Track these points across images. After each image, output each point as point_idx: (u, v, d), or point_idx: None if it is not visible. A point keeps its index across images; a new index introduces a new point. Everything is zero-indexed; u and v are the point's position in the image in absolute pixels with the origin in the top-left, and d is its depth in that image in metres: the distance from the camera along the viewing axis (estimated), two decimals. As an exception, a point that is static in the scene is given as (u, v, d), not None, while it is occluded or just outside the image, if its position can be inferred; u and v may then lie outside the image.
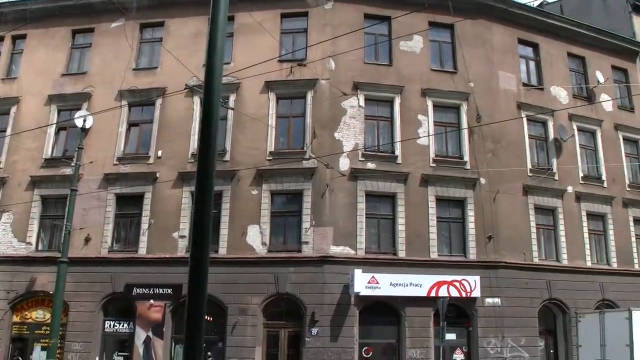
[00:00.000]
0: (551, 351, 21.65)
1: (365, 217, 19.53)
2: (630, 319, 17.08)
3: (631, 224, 23.77)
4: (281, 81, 20.39)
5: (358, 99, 20.51)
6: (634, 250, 23.61)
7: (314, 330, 18.23)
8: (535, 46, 23.97)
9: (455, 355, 19.68)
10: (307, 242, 18.99)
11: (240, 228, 19.23)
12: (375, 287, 18.54)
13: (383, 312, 19.21)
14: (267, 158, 19.82)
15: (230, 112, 19.99)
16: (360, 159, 19.92)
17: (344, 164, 19.71)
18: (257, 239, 19.12)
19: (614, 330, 17.55)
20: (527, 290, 20.47)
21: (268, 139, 20.01)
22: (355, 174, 19.69)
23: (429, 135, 20.52)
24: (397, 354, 19.07)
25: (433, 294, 18.92)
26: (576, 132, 23.42)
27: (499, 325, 19.80)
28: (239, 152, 20.00)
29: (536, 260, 21.12)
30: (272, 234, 19.43)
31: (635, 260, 23.51)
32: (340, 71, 20.60)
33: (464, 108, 21.30)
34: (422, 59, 21.70)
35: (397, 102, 20.81)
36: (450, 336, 18.68)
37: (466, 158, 20.87)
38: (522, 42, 23.72)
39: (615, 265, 22.82)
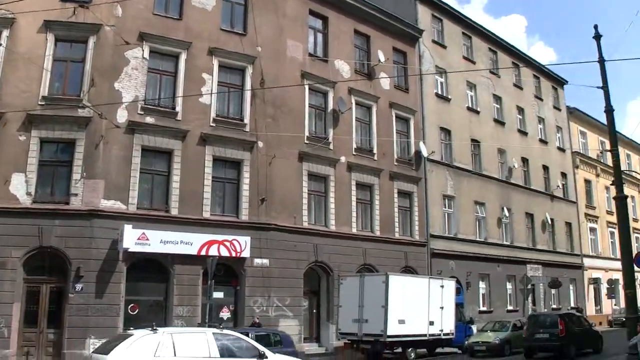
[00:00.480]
0: (314, 311, 25.27)
1: (140, 172, 20.80)
2: (386, 282, 20.50)
3: (395, 195, 28.41)
4: (62, 22, 20.39)
5: (143, 50, 21.47)
6: (396, 220, 28.17)
7: (79, 286, 18.97)
8: (325, 19, 27.18)
9: (222, 314, 21.90)
10: (76, 195, 19.59)
11: (3, 176, 19.04)
12: (145, 243, 19.92)
13: (152, 269, 20.77)
14: (40, 103, 19.77)
15: (1, 49, 19.57)
16: (139, 112, 21.05)
17: (122, 115, 20.65)
18: (21, 188, 19.12)
19: (371, 293, 20.77)
20: (295, 252, 23.67)
21: (42, 83, 19.98)
22: (133, 127, 20.81)
23: (211, 94, 22.31)
24: (164, 311, 20.79)
25: (203, 252, 20.94)
26: (354, 106, 27.26)
27: (266, 285, 22.70)
28: (8, 94, 19.55)
29: (306, 225, 24.39)
30: (38, 184, 19.58)
31: (396, 229, 28.03)
32: (127, 19, 21.32)
33: (249, 71, 23.57)
34: (213, 17, 23.39)
35: (183, 57, 22.29)
36: (218, 294, 21.03)
37: (247, 121, 23.20)
38: (313, 13, 26.76)
39: (378, 233, 27.18)
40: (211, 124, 22.48)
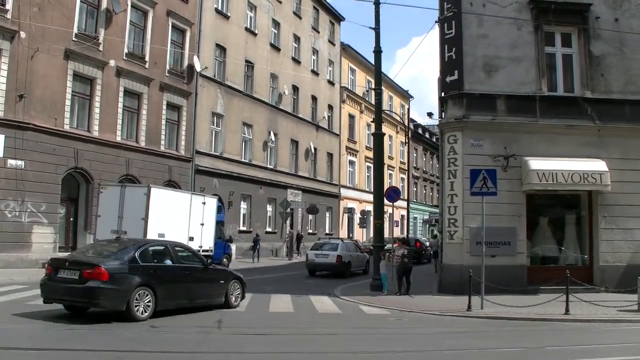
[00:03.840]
0: (71, 219, 25.72)
1: None
2: (148, 194, 21.59)
3: (164, 107, 29.50)
4: None
5: None
6: (163, 132, 29.32)
7: None
8: None
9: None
10: None
11: None
12: None
13: None
14: None
15: None
16: None
17: None
18: None
19: (132, 204, 21.60)
20: (54, 156, 23.80)
21: None
22: None
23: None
24: None
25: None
26: (129, 8, 27.45)
27: (20, 189, 22.59)
28: None
29: (67, 128, 24.54)
30: None
31: (162, 142, 29.16)
32: None
33: (13, -48, 22.42)
34: None
35: None
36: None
37: (9, 7, 22.29)
38: None
39: (143, 144, 28.08)
40: (-35, 6, 21.31)
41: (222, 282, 14.49)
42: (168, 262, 13.30)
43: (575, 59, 20.27)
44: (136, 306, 11.80)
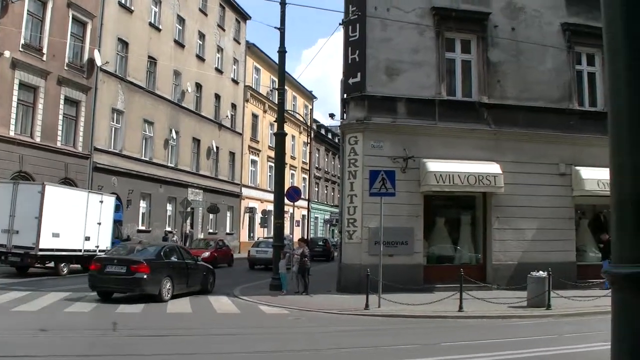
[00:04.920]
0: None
1: None
2: (42, 193, 21.06)
3: (62, 102, 28.65)
4: None
5: None
6: (59, 128, 28.48)
7: None
8: None
9: None
10: None
11: None
12: None
13: None
14: None
15: None
16: None
17: None
18: None
19: (25, 203, 21.05)
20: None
21: None
22: None
23: None
24: None
25: None
26: (27, -3, 26.25)
27: None
28: None
29: (-42, 120, 23.19)
30: None
31: (59, 138, 28.32)
32: None
33: None
34: None
35: None
36: None
37: None
38: None
39: (38, 140, 27.13)
40: None
41: (205, 273, 19.29)
42: (175, 258, 17.60)
43: (474, 65, 21.32)
44: (164, 291, 16.19)
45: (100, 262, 16.27)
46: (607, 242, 19.12)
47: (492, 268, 20.61)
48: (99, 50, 30.78)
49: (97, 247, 24.01)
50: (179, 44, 39.68)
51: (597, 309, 15.18)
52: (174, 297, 16.53)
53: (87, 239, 23.45)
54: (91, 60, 30.48)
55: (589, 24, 20.68)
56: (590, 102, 22.19)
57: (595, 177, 20.03)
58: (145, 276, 15.50)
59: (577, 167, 21.04)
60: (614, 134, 2.43)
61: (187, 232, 38.43)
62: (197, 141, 42.32)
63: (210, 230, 43.44)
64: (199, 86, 42.27)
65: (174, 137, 38.74)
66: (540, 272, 16.62)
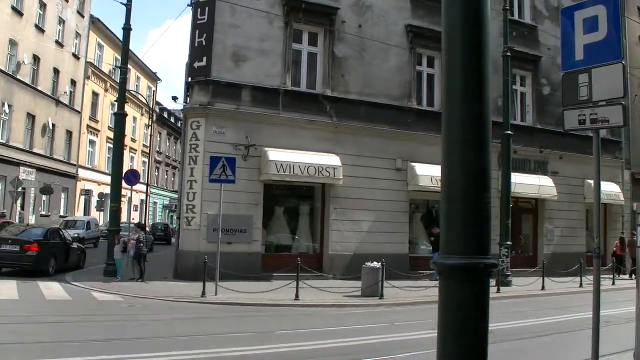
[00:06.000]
0: None
1: None
2: None
3: None
4: None
5: None
6: None
7: None
8: None
9: None
10: None
11: None
12: None
13: None
14: None
15: None
16: None
17: None
18: None
19: None
20: None
21: None
22: None
23: None
24: None
25: None
26: None
27: None
28: None
29: None
30: None
31: None
32: None
33: None
34: None
35: None
36: None
37: None
38: None
39: None
40: None
41: (79, 252, 23.01)
42: (58, 240, 21.20)
43: (320, 58, 22.29)
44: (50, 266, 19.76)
45: None
46: (437, 235, 20.60)
47: (329, 258, 21.66)
48: None
49: None
50: (17, 12, 37.25)
51: (426, 299, 16.60)
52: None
53: None
54: None
55: (432, 28, 22.34)
56: (427, 102, 24.01)
57: (429, 173, 21.75)
58: (35, 254, 19.04)
59: (413, 163, 22.70)
60: (447, 133, 2.84)
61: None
62: (31, 117, 39.96)
63: (43, 213, 41.43)
64: (36, 58, 39.90)
65: (7, 110, 36.42)
66: (375, 262, 17.69)
